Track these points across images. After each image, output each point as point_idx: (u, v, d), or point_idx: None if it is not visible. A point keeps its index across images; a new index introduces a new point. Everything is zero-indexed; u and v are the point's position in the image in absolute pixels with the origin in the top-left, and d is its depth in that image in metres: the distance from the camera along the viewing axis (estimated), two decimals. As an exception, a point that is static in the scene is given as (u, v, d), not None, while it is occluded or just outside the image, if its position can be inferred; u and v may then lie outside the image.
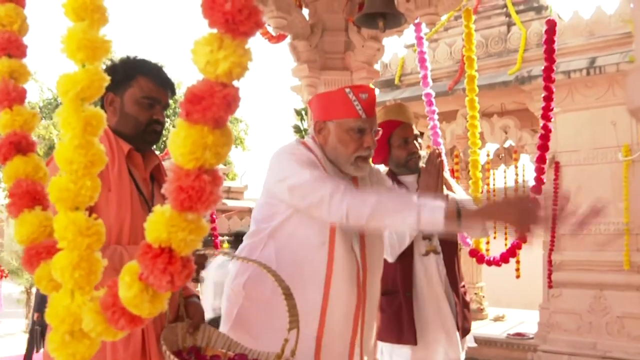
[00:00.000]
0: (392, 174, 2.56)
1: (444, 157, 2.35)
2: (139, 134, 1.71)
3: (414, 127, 2.53)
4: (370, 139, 1.75)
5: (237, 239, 4.38)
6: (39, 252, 0.76)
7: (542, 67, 3.40)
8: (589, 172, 5.67)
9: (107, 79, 0.73)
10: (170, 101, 1.81)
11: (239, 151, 23.63)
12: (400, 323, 2.41)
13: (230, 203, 12.53)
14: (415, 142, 2.50)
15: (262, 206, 1.84)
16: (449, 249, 2.54)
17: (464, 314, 2.54)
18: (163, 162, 1.84)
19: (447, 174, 2.55)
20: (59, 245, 0.67)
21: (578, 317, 5.59)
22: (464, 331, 2.53)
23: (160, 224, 0.61)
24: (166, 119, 1.83)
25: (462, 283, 2.63)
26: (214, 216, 6.89)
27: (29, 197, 0.81)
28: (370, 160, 1.84)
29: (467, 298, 2.64)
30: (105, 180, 1.58)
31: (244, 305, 1.80)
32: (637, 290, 5.32)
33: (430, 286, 2.46)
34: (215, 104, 0.62)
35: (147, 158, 1.76)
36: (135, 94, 1.70)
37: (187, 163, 0.61)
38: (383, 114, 2.49)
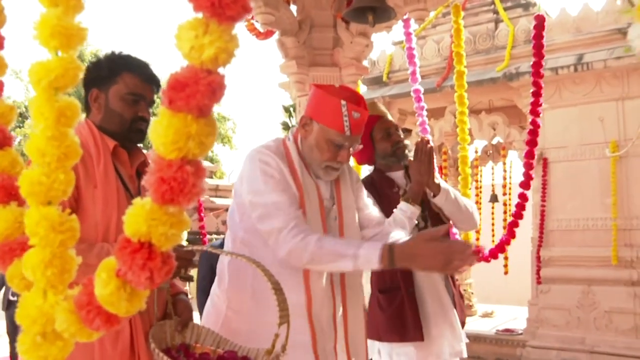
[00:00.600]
0: (380, 172, 2.55)
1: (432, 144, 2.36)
2: (124, 131, 1.69)
3: (391, 119, 2.58)
4: (345, 155, 1.79)
5: None
6: (13, 249, 0.73)
7: (530, 64, 3.40)
8: (577, 168, 5.70)
9: (82, 68, 0.69)
10: (158, 99, 1.78)
11: (227, 149, 23.55)
12: (403, 320, 2.38)
13: (219, 201, 12.48)
14: (397, 131, 2.53)
15: (235, 210, 1.84)
16: None
17: (461, 306, 2.54)
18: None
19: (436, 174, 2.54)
20: (31, 242, 0.63)
21: (567, 313, 5.62)
22: (461, 323, 2.53)
23: (139, 217, 0.58)
24: (152, 116, 1.80)
25: (456, 277, 2.64)
26: (202, 214, 6.84)
27: (4, 192, 0.77)
28: (355, 162, 1.82)
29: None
30: (91, 177, 1.56)
31: (228, 316, 1.78)
32: (625, 285, 5.36)
33: (430, 281, 2.45)
34: (200, 91, 0.58)
35: (133, 154, 1.74)
36: (120, 90, 1.68)
37: (169, 153, 0.58)
38: None
